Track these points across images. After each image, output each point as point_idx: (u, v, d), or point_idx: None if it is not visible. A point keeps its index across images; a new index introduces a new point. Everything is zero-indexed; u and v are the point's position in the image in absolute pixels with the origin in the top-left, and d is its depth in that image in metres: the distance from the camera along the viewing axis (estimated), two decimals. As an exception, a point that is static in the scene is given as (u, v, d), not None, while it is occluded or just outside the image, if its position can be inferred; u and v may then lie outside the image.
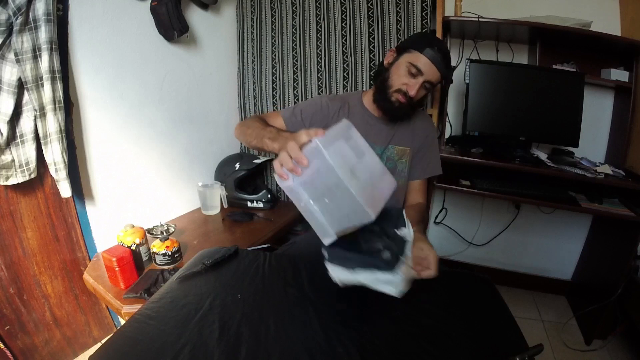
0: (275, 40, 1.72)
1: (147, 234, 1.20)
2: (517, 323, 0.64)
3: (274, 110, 1.80)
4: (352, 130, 0.65)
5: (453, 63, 1.60)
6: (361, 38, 1.54)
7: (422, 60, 0.93)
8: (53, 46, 0.97)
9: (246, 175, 1.68)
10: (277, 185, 1.91)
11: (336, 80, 1.62)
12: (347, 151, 0.61)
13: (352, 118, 1.08)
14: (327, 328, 0.60)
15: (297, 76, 1.71)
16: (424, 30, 1.42)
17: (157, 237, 1.15)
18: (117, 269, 1.02)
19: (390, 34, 1.48)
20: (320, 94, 1.11)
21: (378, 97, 1.03)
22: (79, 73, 1.14)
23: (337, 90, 1.63)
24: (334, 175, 0.56)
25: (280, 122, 1.05)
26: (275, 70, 1.75)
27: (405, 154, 1.09)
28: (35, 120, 1.00)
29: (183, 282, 0.73)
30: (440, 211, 1.92)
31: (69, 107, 1.11)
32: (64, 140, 1.05)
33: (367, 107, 1.10)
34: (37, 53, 0.96)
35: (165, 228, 1.24)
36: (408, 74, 0.95)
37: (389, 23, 1.47)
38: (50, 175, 1.07)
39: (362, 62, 1.57)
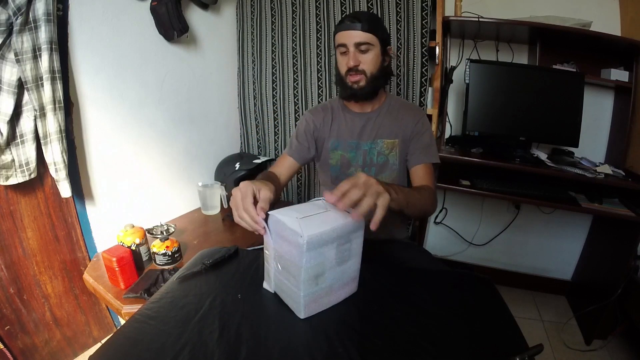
0: (275, 40, 1.72)
1: (147, 234, 1.20)
2: (517, 323, 0.64)
3: (274, 110, 1.81)
4: (359, 232, 0.65)
5: (453, 63, 1.61)
6: (361, 38, 1.54)
7: (339, 37, 1.00)
8: (53, 46, 0.97)
9: (246, 175, 1.68)
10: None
11: (336, 80, 1.62)
12: (329, 256, 0.61)
13: (336, 121, 1.12)
14: (327, 328, 0.60)
15: (297, 76, 1.71)
16: (423, 30, 1.42)
17: (157, 237, 1.15)
18: (117, 269, 1.02)
19: (390, 34, 1.48)
20: (304, 113, 1.18)
21: (341, 91, 1.09)
22: (79, 73, 1.14)
23: (337, 91, 1.63)
24: (299, 271, 0.58)
25: (288, 160, 1.14)
26: (275, 70, 1.75)
27: (395, 146, 1.10)
28: (35, 120, 1.00)
29: (183, 282, 0.73)
30: (440, 211, 1.92)
31: (69, 107, 1.11)
32: (64, 140, 1.05)
33: (347, 106, 1.14)
34: (37, 53, 0.96)
35: (165, 228, 1.24)
36: (342, 56, 1.02)
37: (389, 23, 1.47)
38: (50, 175, 1.07)
39: (362, 62, 1.57)
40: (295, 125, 1.76)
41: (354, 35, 0.97)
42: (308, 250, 0.56)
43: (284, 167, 1.13)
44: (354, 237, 0.64)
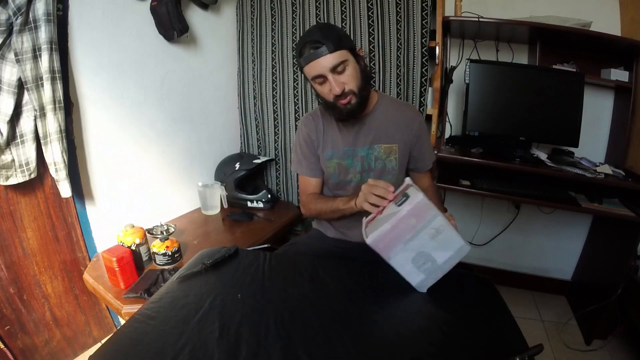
0: (275, 40, 1.72)
1: (147, 234, 1.20)
2: (517, 323, 0.64)
3: (274, 110, 1.81)
4: (455, 255, 0.73)
5: (453, 63, 1.61)
6: (361, 38, 1.54)
7: (310, 69, 0.91)
8: (53, 46, 0.97)
9: (246, 175, 1.68)
10: (277, 185, 1.91)
11: (336, 80, 1.62)
12: (426, 245, 0.72)
13: (329, 129, 1.09)
14: (327, 328, 0.60)
15: (297, 76, 1.71)
16: (423, 30, 1.42)
17: (157, 237, 1.15)
18: (117, 269, 1.02)
19: (390, 34, 1.48)
20: (299, 126, 1.14)
21: (336, 115, 1.02)
22: (79, 73, 1.14)
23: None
24: (416, 225, 0.70)
25: (312, 181, 1.13)
26: (275, 70, 1.75)
27: (393, 151, 1.08)
28: (35, 120, 1.00)
29: (183, 282, 0.73)
30: (440, 211, 1.92)
31: (69, 107, 1.11)
32: (64, 140, 1.05)
33: None
34: (37, 53, 0.96)
35: (165, 228, 1.24)
36: (323, 86, 0.95)
37: (389, 23, 1.47)
38: (50, 175, 1.07)
39: (362, 62, 1.57)
40: (296, 125, 1.76)
41: (325, 62, 0.89)
42: (428, 225, 0.70)
43: (315, 186, 1.13)
44: (446, 252, 0.73)
